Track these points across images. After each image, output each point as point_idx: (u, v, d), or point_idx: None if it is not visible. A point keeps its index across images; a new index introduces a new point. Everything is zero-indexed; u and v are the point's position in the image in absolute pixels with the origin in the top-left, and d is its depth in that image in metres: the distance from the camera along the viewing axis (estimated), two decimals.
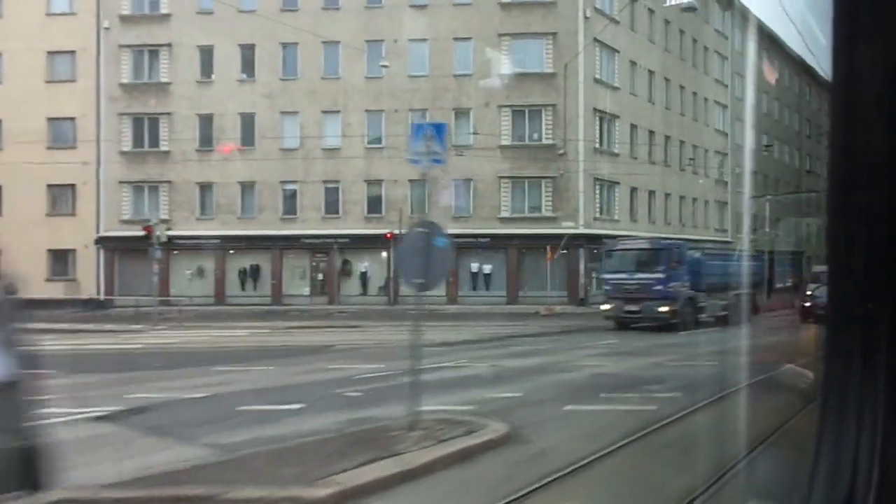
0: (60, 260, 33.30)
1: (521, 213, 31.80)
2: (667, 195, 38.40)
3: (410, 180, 32.05)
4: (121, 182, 32.98)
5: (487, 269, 32.16)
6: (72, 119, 32.94)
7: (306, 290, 32.94)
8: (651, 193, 36.98)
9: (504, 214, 31.77)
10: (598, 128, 32.70)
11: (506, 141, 31.67)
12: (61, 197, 33.32)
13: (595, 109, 32.11)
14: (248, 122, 32.71)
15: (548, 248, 28.95)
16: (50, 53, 32.84)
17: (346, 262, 32.89)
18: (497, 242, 31.72)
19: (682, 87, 39.25)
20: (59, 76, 32.94)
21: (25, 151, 32.58)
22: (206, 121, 32.78)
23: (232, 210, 32.86)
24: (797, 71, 49.46)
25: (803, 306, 21.62)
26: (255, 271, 33.01)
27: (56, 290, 32.21)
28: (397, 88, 31.93)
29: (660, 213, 37.81)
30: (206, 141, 32.86)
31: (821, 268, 24.63)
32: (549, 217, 31.49)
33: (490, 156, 31.55)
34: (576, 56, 31.15)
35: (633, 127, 34.68)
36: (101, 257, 33.16)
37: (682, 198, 39.83)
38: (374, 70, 32.19)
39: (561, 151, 31.38)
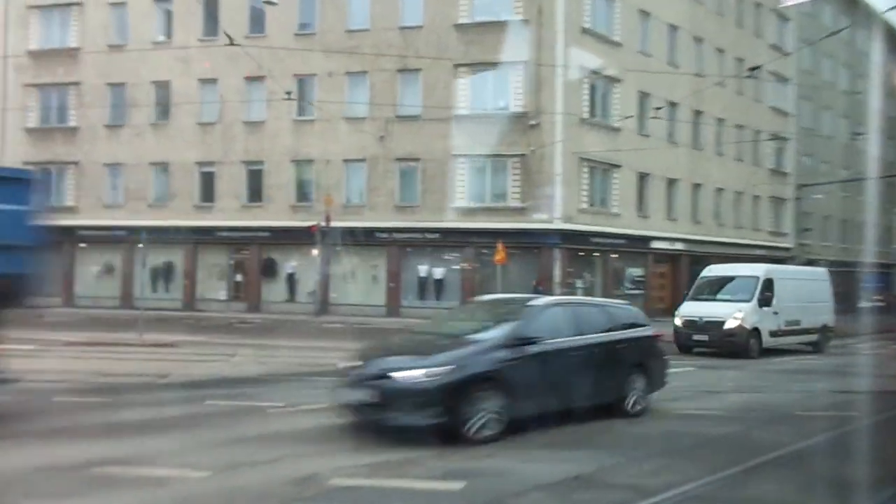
0: None
1: (481, 203, 24.76)
2: (696, 186, 30.16)
3: (346, 160, 25.83)
4: (25, 163, 28.50)
5: (438, 273, 25.29)
6: None
7: (223, 294, 27.20)
8: (672, 182, 28.93)
9: (459, 204, 24.83)
10: (587, 94, 25.23)
11: (462, 109, 24.79)
12: None
13: (582, 68, 24.68)
14: (162, 91, 27.53)
15: (498, 245, 21.81)
16: None
17: (269, 261, 26.92)
18: (450, 240, 24.87)
19: (720, 51, 30.94)
20: None
21: None
22: (118, 91, 27.84)
23: (142, 196, 27.68)
24: None
25: None
26: (167, 269, 27.64)
27: None
28: (332, 46, 25.75)
29: (685, 207, 29.62)
30: (118, 115, 27.93)
31: None
32: (517, 208, 24.32)
33: (442, 130, 24.78)
34: None
35: (644, 95, 26.86)
36: None
37: (719, 190, 31.39)
38: (306, 25, 26.30)
39: (533, 122, 24.20)
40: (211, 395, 9.33)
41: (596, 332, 8.31)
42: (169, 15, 27.50)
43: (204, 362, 13.20)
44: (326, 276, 25.77)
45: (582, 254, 25.45)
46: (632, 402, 8.44)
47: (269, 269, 26.73)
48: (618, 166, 26.06)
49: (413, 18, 25.28)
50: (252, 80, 26.29)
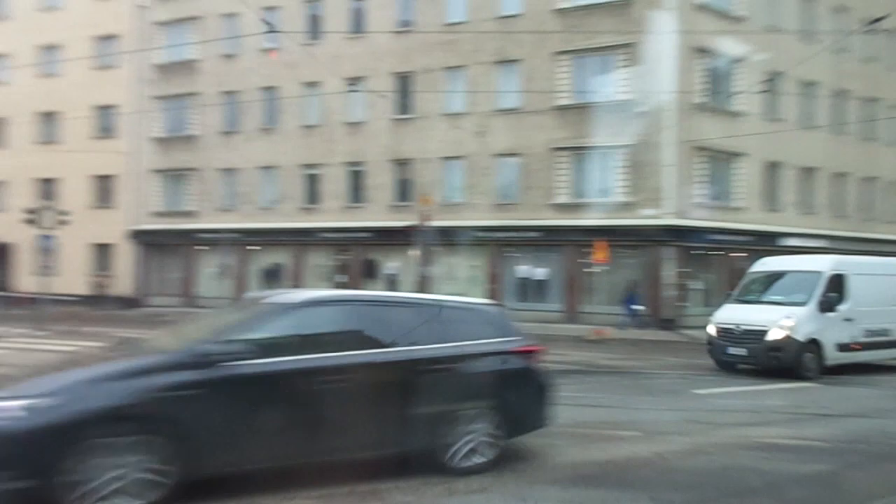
0: (101, 255, 31.67)
1: (584, 198, 23.14)
2: (838, 175, 26.62)
3: (444, 158, 25.16)
4: (152, 171, 30.42)
5: (540, 273, 23.94)
6: (115, 107, 31.17)
7: None
8: (808, 172, 25.70)
9: (561, 200, 23.40)
10: (703, 75, 22.85)
11: (564, 99, 23.32)
12: (103, 189, 31.71)
13: (696, 49, 22.39)
14: (270, 97, 28.23)
15: (597, 243, 20.15)
16: (97, 39, 31.45)
17: (370, 262, 26.79)
18: (551, 238, 23.45)
19: (866, 21, 27.07)
20: (105, 62, 31.37)
21: (75, 142, 31.62)
22: (231, 98, 28.91)
23: (252, 200, 28.54)
24: None
25: None
26: (275, 270, 28.31)
27: (89, 288, 30.63)
28: (429, 42, 25.21)
29: (825, 200, 26.23)
30: (232, 122, 29.03)
31: None
32: (623, 203, 22.47)
33: (542, 121, 23.48)
34: None
35: (773, 75, 23.95)
36: (135, 252, 30.86)
37: (868, 179, 27.55)
38: (405, 22, 25.94)
39: (641, 109, 22.25)
40: None
41: (396, 345, 5.63)
42: (275, 22, 28.12)
43: None
44: (424, 277, 25.20)
45: (698, 252, 23.06)
46: (462, 451, 5.68)
47: (370, 271, 26.61)
48: (741, 155, 23.43)
49: (512, 6, 24.14)
50: (352, 80, 26.25)
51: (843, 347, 12.90)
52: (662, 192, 22.05)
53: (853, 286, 13.18)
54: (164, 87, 30.05)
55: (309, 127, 27.46)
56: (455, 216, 24.57)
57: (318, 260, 27.78)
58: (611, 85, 22.79)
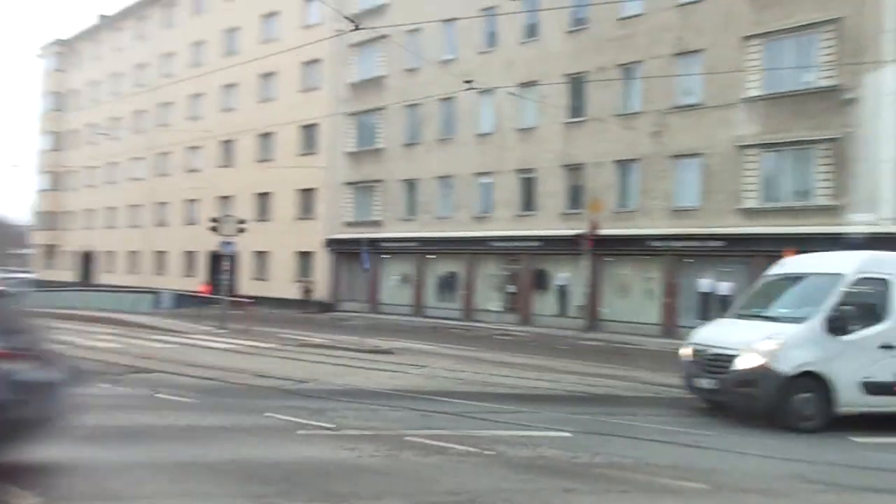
0: (303, 262, 34.36)
1: (778, 202, 20.03)
2: None
3: (617, 161, 23.48)
4: (345, 184, 32.36)
5: (724, 288, 21.11)
6: (316, 125, 33.77)
7: (497, 306, 26.83)
8: None
9: (750, 205, 20.49)
10: None
11: (753, 89, 20.42)
12: (306, 201, 34.42)
13: None
14: (448, 108, 28.53)
15: (786, 252, 17.17)
16: (304, 64, 34.34)
17: (540, 272, 25.73)
18: (737, 247, 20.63)
19: None
20: (309, 85, 34.16)
21: (284, 159, 34.83)
22: (413, 111, 29.74)
23: (430, 209, 29.00)
24: None
25: None
26: (450, 280, 28.44)
27: (296, 292, 33.30)
28: (603, 39, 23.70)
29: None
30: (413, 134, 29.85)
31: None
32: (826, 207, 19.04)
33: (728, 116, 20.82)
34: None
35: None
36: (329, 260, 33.02)
37: None
38: (578, 21, 24.68)
39: (849, 97, 18.74)
40: (288, 407, 8.61)
41: None
42: (454, 34, 28.47)
43: (374, 370, 12.67)
44: (595, 289, 23.64)
45: None
46: None
47: (540, 281, 25.60)
48: None
49: None
50: (525, 85, 25.59)
51: (876, 388, 8.77)
52: (878, 193, 18.28)
53: None
54: (356, 104, 31.87)
55: (482, 135, 27.28)
56: (628, 224, 22.77)
57: (490, 270, 27.40)
58: (812, 69, 19.50)
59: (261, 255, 36.15)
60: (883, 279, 9.17)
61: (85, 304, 31.30)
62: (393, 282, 30.61)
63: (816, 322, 8.81)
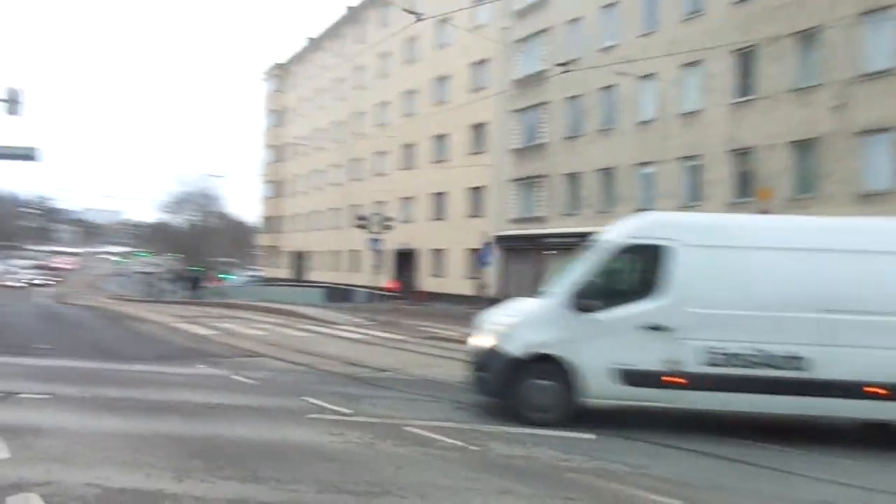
0: (474, 259, 34.90)
1: None
2: None
3: (791, 142, 20.86)
4: (510, 180, 32.31)
5: None
6: (484, 124, 34.19)
7: None
8: None
9: None
10: None
11: None
12: (475, 199, 34.95)
13: None
14: (608, 97, 27.24)
15: None
16: (473, 65, 34.95)
17: None
18: None
19: None
20: (478, 85, 34.69)
21: (457, 159, 35.78)
22: (574, 104, 28.85)
23: (592, 203, 27.89)
24: None
25: None
26: None
27: (469, 288, 34.00)
28: (775, 6, 21.09)
29: None
30: (574, 127, 28.95)
31: None
32: None
33: None
34: None
35: None
36: (497, 257, 33.16)
37: None
38: None
39: None
40: (331, 393, 8.86)
41: None
42: (614, 19, 27.15)
43: (461, 362, 12.55)
44: None
45: None
46: None
47: None
48: None
49: None
50: (688, 66, 23.66)
51: (638, 378, 7.30)
52: None
53: (688, 266, 7.37)
54: (520, 100, 31.71)
55: (644, 123, 25.67)
56: (805, 212, 19.93)
57: None
58: None
59: (437, 253, 37.47)
60: (657, 246, 7.55)
61: (290, 299, 34.92)
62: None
63: (558, 298, 7.60)
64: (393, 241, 40.10)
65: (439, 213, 37.48)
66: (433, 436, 6.78)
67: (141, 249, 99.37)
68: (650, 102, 25.39)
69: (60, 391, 8.23)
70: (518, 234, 31.30)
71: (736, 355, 7.20)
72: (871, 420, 7.38)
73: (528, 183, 31.45)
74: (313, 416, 7.54)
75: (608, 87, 26.97)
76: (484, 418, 7.77)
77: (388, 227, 22.41)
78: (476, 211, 34.74)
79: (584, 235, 26.67)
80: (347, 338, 16.94)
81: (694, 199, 23.79)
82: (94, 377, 9.58)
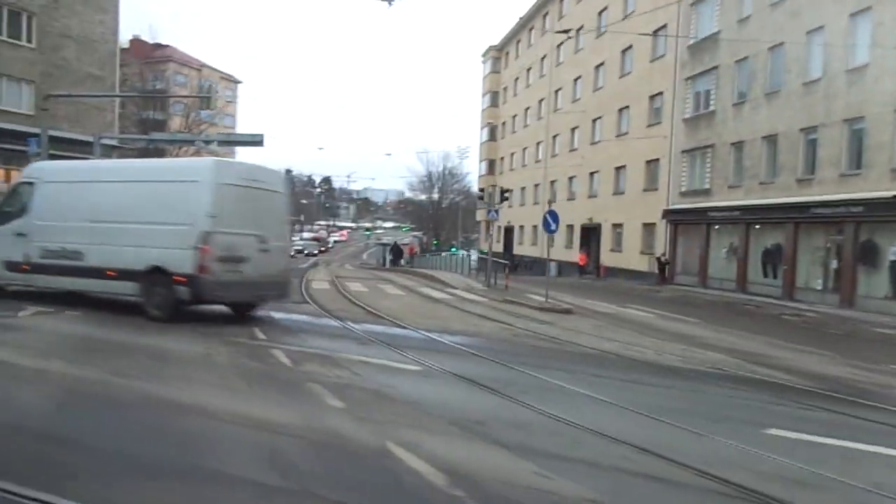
0: (647, 234, 33.99)
1: None
2: None
3: None
4: (681, 152, 30.86)
5: None
6: (661, 93, 32.97)
7: (819, 284, 22.49)
8: None
9: None
10: None
11: None
12: (651, 172, 33.87)
13: None
14: (777, 56, 24.84)
15: None
16: (653, 32, 33.72)
17: (868, 244, 20.66)
18: None
19: None
20: (657, 53, 33.46)
21: (636, 131, 35.06)
22: (742, 67, 26.72)
23: (755, 174, 25.74)
24: None
25: None
26: (774, 251, 24.91)
27: (645, 264, 33.43)
28: None
29: None
30: (741, 92, 26.82)
31: None
32: None
33: None
34: None
35: None
36: (667, 232, 32.00)
37: None
38: None
39: None
40: (341, 337, 10.74)
41: None
42: None
43: (496, 322, 13.58)
44: None
45: None
46: None
47: (868, 255, 20.66)
48: None
49: None
50: (857, 15, 20.91)
51: (13, 266, 12.09)
52: None
53: (40, 195, 11.96)
54: (693, 67, 30.09)
55: (809, 83, 23.08)
56: None
57: (813, 241, 23.18)
58: None
59: (616, 228, 37.09)
60: (32, 182, 12.14)
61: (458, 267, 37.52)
62: (721, 255, 28.24)
63: None
64: (580, 216, 40.61)
65: (618, 188, 37.01)
66: (311, 365, 8.33)
67: (404, 224, 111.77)
68: (817, 59, 22.78)
69: None
70: (687, 207, 29.96)
71: (53, 251, 11.49)
72: (112, 293, 11.33)
73: (697, 154, 29.86)
74: (276, 350, 9.55)
75: (775, 47, 24.65)
76: (411, 357, 9.02)
77: (505, 200, 23.41)
78: (651, 184, 33.75)
79: (746, 209, 25.13)
80: (442, 301, 18.63)
81: (854, 167, 21.08)
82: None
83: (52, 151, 22.95)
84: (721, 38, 28.08)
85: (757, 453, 5.17)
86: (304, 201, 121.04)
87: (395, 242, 53.14)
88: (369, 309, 14.48)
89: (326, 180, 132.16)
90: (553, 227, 18.89)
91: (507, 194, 24.18)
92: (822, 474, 4.74)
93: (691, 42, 30.05)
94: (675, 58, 31.45)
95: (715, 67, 28.46)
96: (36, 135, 23.29)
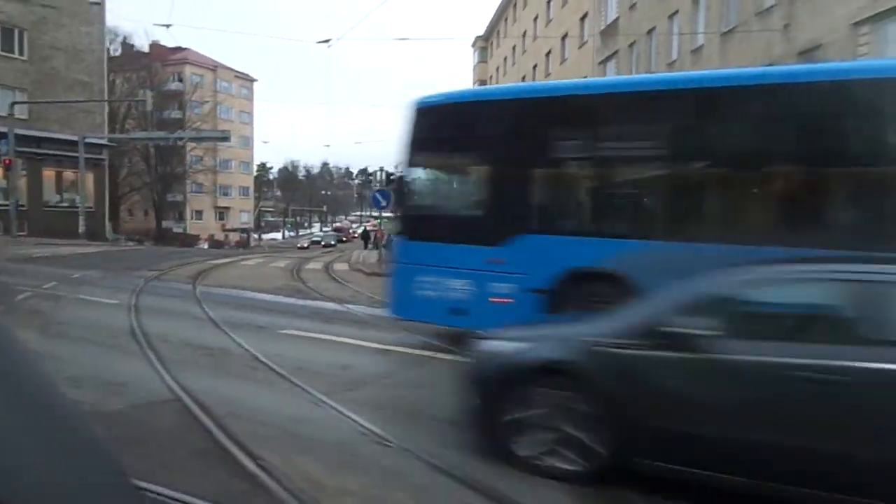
0: None
1: None
2: None
3: None
4: None
5: None
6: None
7: None
8: None
9: None
10: None
11: None
12: None
13: None
14: (650, 41, 27.13)
15: None
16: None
17: None
18: None
19: None
20: (583, 40, 35.83)
21: None
22: (632, 51, 29.00)
23: None
24: None
25: None
26: None
27: None
28: None
29: None
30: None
31: None
32: None
33: None
34: None
35: None
36: None
37: None
38: None
39: None
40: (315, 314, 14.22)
41: None
42: None
43: None
44: None
45: None
46: None
47: None
48: None
49: None
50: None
51: None
52: None
53: None
54: (602, 52, 32.42)
55: (671, 64, 25.37)
56: None
57: None
58: None
59: None
60: None
61: None
62: None
63: None
64: None
65: None
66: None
67: None
68: (675, 44, 25.06)
69: None
70: None
71: None
72: None
73: None
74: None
75: (651, 31, 26.94)
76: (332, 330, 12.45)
77: (391, 182, 26.24)
78: None
79: None
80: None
81: None
82: None
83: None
84: (620, 23, 30.40)
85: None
86: (342, 192, 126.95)
87: (365, 228, 56.37)
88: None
89: (363, 171, 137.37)
90: (383, 203, 20.76)
91: (393, 176, 27.02)
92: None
93: (602, 28, 32.40)
94: (592, 44, 33.80)
95: (616, 52, 30.77)
96: (4, 135, 27.26)
